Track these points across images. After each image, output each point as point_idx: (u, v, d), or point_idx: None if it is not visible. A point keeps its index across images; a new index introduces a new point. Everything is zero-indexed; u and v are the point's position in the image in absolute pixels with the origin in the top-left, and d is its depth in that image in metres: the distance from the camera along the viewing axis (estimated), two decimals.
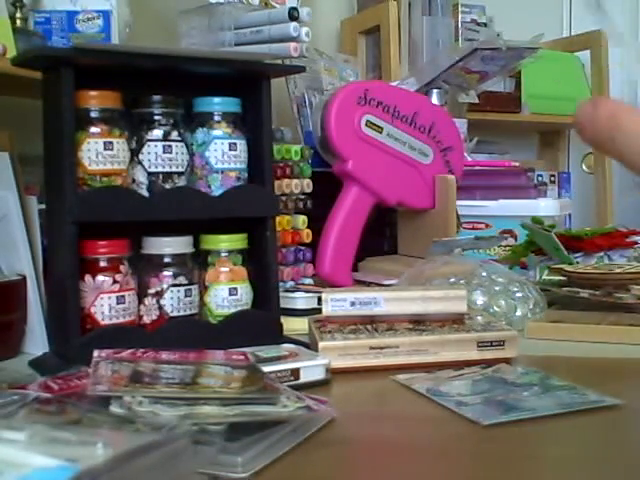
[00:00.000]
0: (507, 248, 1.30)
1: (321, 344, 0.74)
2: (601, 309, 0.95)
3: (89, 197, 0.75)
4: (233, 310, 0.82)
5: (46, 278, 0.83)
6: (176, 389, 0.53)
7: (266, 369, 0.62)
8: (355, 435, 0.57)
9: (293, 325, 0.88)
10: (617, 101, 0.48)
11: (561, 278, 1.06)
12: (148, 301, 0.79)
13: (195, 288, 0.82)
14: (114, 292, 0.76)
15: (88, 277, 0.75)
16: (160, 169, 0.80)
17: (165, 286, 0.79)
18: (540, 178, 2.10)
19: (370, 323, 0.80)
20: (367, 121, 1.10)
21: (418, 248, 1.16)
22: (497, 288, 0.93)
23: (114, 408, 0.49)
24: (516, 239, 1.31)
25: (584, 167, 2.36)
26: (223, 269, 0.83)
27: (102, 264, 0.76)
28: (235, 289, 0.83)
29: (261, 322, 0.83)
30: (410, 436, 0.56)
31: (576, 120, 0.48)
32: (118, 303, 0.76)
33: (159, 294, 0.79)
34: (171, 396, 0.51)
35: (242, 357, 0.61)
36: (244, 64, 0.84)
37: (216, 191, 0.83)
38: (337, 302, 0.80)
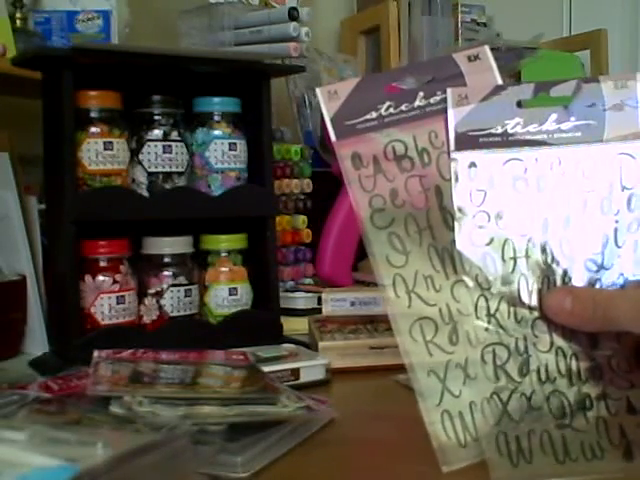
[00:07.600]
0: None
1: (321, 344, 0.74)
2: None
3: (89, 197, 0.75)
4: (233, 310, 0.82)
5: (46, 278, 0.83)
6: (176, 389, 0.53)
7: (266, 369, 0.62)
8: (355, 435, 0.57)
9: (293, 325, 0.88)
10: (587, 291, 0.46)
11: None
12: (148, 301, 0.79)
13: (195, 288, 0.82)
14: (114, 292, 0.76)
15: (88, 277, 0.75)
16: (160, 169, 0.80)
17: (165, 286, 0.79)
18: None
19: (370, 323, 0.80)
20: None
21: None
22: None
23: (114, 408, 0.49)
24: None
25: None
26: (223, 269, 0.83)
27: (102, 264, 0.76)
28: (235, 289, 0.83)
29: (261, 322, 0.83)
30: (410, 436, 0.56)
31: (551, 313, 0.45)
32: (118, 303, 0.76)
33: (159, 294, 0.79)
34: (171, 396, 0.51)
35: (242, 357, 0.61)
36: (244, 64, 0.84)
37: (216, 191, 0.83)
38: (337, 302, 0.80)
